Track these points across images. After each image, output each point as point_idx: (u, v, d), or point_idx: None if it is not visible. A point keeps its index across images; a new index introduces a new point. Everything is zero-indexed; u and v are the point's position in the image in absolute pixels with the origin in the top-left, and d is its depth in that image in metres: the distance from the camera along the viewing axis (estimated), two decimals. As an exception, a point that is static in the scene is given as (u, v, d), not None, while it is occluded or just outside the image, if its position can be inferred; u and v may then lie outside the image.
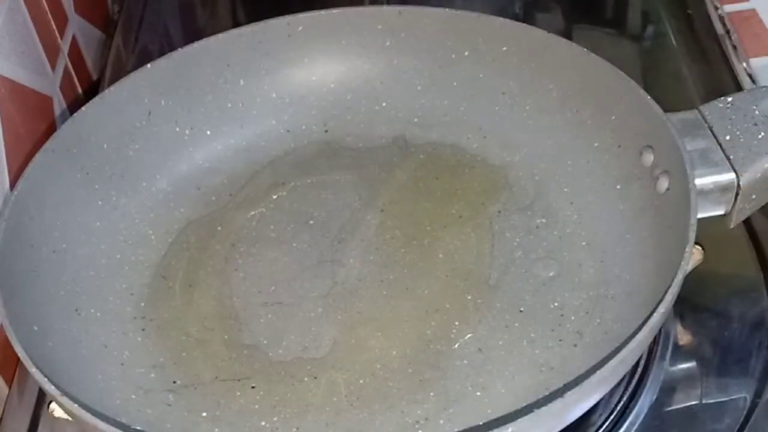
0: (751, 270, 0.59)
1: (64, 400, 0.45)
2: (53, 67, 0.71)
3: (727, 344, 0.56)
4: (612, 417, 0.53)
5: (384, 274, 0.57)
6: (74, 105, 0.73)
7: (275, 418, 0.51)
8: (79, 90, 0.76)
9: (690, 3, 0.78)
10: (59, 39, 0.73)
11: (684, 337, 0.57)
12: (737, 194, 0.52)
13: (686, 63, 0.73)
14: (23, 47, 0.65)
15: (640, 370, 0.54)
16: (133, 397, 0.52)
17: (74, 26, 0.77)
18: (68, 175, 0.59)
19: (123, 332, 0.55)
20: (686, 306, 0.57)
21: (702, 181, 0.52)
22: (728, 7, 0.76)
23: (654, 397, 0.53)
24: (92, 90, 0.76)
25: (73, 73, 0.75)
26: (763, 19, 0.76)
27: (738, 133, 0.53)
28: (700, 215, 0.51)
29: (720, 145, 0.53)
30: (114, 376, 0.53)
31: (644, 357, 0.55)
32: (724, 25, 0.75)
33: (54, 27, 0.72)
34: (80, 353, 0.53)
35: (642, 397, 0.53)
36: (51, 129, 0.69)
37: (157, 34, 0.77)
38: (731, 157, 0.52)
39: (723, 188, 0.52)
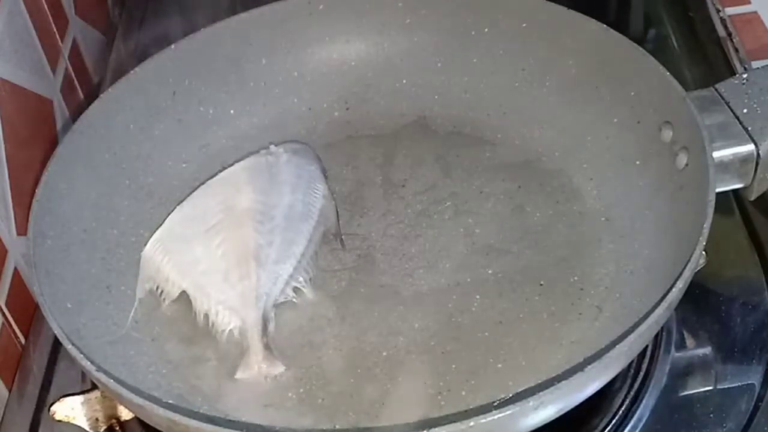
0: (754, 272, 0.59)
1: (100, 375, 0.46)
2: (54, 69, 0.71)
3: (729, 348, 0.56)
4: (615, 420, 0.52)
5: (406, 248, 0.58)
6: (74, 108, 0.73)
7: (301, 390, 0.52)
8: (80, 93, 0.76)
9: (692, 6, 0.78)
10: (60, 41, 0.73)
11: (686, 340, 0.57)
12: (757, 164, 0.53)
13: (688, 66, 0.73)
14: (23, 49, 0.65)
15: (642, 373, 0.54)
16: (164, 371, 0.53)
17: (75, 29, 0.77)
18: (96, 155, 0.59)
19: (153, 308, 0.56)
20: (688, 309, 0.57)
21: (721, 153, 0.52)
22: (730, 10, 0.76)
23: (656, 400, 0.53)
24: (93, 93, 0.76)
25: (74, 76, 0.75)
26: (764, 22, 0.76)
27: (755, 105, 0.54)
28: (721, 188, 0.51)
29: (737, 118, 0.53)
30: (145, 351, 0.54)
31: (647, 359, 0.55)
32: (725, 27, 0.74)
33: (54, 29, 0.72)
34: (112, 329, 0.54)
35: (644, 399, 0.53)
36: (51, 131, 0.69)
37: (158, 36, 0.77)
38: (749, 128, 0.53)
39: (743, 159, 0.53)
